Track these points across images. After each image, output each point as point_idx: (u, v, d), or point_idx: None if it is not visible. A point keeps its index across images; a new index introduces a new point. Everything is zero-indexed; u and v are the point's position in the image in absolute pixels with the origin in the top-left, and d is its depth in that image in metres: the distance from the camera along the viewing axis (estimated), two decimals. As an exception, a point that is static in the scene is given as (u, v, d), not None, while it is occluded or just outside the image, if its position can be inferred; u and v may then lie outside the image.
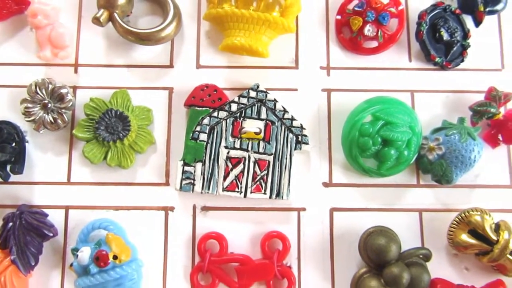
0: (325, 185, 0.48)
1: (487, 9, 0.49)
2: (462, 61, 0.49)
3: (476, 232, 0.45)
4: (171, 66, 0.50)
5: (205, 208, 0.47)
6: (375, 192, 0.48)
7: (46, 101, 0.47)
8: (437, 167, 0.46)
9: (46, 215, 0.46)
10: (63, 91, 0.46)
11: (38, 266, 0.45)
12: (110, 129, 0.46)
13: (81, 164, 0.48)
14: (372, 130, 0.45)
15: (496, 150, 0.48)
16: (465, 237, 0.45)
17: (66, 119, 0.47)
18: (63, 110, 0.47)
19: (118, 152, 0.47)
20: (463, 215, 0.45)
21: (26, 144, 0.47)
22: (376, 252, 0.43)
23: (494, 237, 0.44)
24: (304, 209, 0.47)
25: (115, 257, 0.43)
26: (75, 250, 0.44)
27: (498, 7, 0.49)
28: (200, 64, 0.50)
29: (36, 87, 0.47)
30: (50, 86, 0.47)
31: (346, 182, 0.48)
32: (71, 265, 0.44)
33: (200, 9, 0.51)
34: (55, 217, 0.46)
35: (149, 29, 0.48)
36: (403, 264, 0.43)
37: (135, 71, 0.49)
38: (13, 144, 0.46)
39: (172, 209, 0.47)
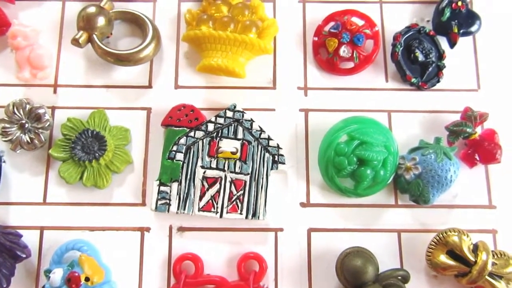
0: (303, 205, 0.48)
1: (461, 31, 0.50)
2: (438, 81, 0.50)
3: (455, 253, 0.44)
4: (149, 86, 0.50)
5: (181, 229, 0.47)
6: (353, 212, 0.47)
7: (24, 121, 0.47)
8: (414, 187, 0.46)
9: (20, 236, 0.45)
10: (41, 111, 0.47)
11: (11, 288, 0.45)
12: (86, 149, 0.46)
13: (58, 184, 0.47)
14: (347, 149, 0.45)
15: (474, 170, 0.48)
16: (443, 258, 0.44)
17: (43, 139, 0.47)
18: (40, 130, 0.47)
19: (94, 172, 0.47)
20: (441, 235, 0.45)
21: (3, 164, 0.48)
22: (353, 273, 0.43)
23: (472, 258, 0.43)
24: (281, 230, 0.47)
25: (87, 279, 0.42)
26: (47, 272, 0.44)
27: (472, 28, 0.50)
28: (179, 84, 0.50)
29: (13, 107, 0.47)
30: (28, 106, 0.47)
31: (324, 202, 0.47)
32: (43, 287, 0.43)
33: (179, 31, 0.51)
34: (30, 238, 0.46)
35: (128, 50, 0.48)
36: (380, 286, 0.42)
37: (114, 91, 0.50)
38: (-11, 164, 0.46)
39: (148, 229, 0.47)
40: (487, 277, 0.43)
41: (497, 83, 0.50)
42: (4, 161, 0.48)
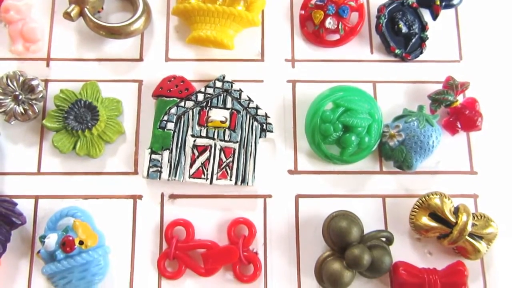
0: (291, 172, 0.49)
1: (444, 3, 0.51)
2: (421, 52, 0.51)
3: (437, 215, 0.46)
4: (140, 59, 0.51)
5: (172, 196, 0.48)
6: (339, 179, 0.49)
7: (17, 93, 0.48)
8: (398, 153, 0.47)
9: (15, 204, 0.46)
10: (34, 82, 0.48)
11: (7, 255, 0.46)
12: (79, 118, 0.47)
13: (51, 154, 0.49)
14: (333, 116, 0.46)
15: (456, 138, 0.50)
16: (425, 220, 0.46)
17: (37, 110, 0.48)
18: (34, 102, 0.48)
19: (87, 142, 0.48)
20: (423, 199, 0.46)
21: (-2, 136, 0.49)
22: (338, 234, 0.44)
23: (453, 220, 0.45)
24: (270, 196, 0.48)
25: (81, 243, 0.43)
26: (42, 238, 0.45)
27: (454, 1, 0.51)
28: (169, 57, 0.51)
29: (7, 79, 0.48)
30: (21, 78, 0.48)
31: (311, 170, 0.49)
32: (38, 252, 0.45)
33: (169, 4, 0.52)
34: (25, 206, 0.47)
35: (120, 23, 0.49)
36: (364, 246, 0.44)
37: (105, 64, 0.51)
38: (-16, 135, 0.47)
39: (140, 197, 0.48)
40: (467, 237, 0.45)
41: (478, 54, 0.52)
42: (-1, 133, 0.49)
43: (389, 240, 0.46)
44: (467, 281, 0.44)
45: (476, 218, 0.46)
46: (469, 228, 0.45)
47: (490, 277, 0.47)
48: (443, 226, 0.45)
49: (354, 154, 0.48)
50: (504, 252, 0.47)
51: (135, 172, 0.49)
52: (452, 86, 0.49)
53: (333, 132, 0.46)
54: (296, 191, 0.48)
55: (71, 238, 0.43)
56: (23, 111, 0.47)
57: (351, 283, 0.44)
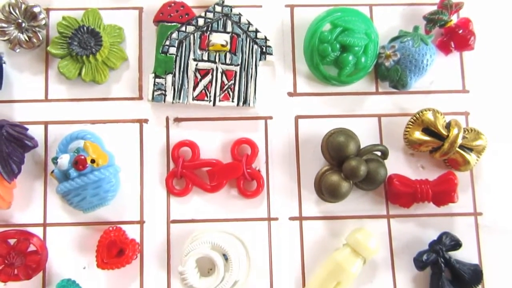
0: (290, 94, 0.51)
1: None
2: (417, -26, 0.52)
3: (429, 130, 0.48)
4: (140, -14, 0.52)
5: (177, 119, 0.50)
6: (337, 100, 0.51)
7: (20, 21, 0.48)
8: (393, 73, 0.49)
9: (27, 129, 0.48)
10: (36, 9, 0.48)
11: (22, 178, 0.48)
12: (83, 44, 0.48)
13: (58, 81, 0.50)
14: (331, 37, 0.47)
15: (449, 57, 0.51)
16: (419, 135, 0.48)
17: (41, 38, 0.49)
18: (37, 29, 0.49)
19: (92, 68, 0.49)
20: (417, 115, 0.48)
21: (4, 64, 0.49)
22: (337, 149, 0.47)
23: (445, 133, 0.47)
24: (270, 118, 0.50)
25: (92, 161, 0.46)
26: (55, 159, 0.47)
27: None
28: (168, -16, 0.52)
29: (9, 7, 0.48)
30: (23, 6, 0.49)
31: (310, 91, 0.51)
32: (52, 172, 0.47)
33: None
34: (35, 132, 0.49)
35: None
36: (361, 158, 0.46)
37: (105, -8, 0.52)
38: (-10, 63, 0.48)
39: (146, 121, 0.50)
40: (458, 149, 0.48)
41: (472, -25, 0.53)
42: (4, 62, 0.50)
43: (384, 154, 0.48)
44: (457, 189, 0.47)
45: (466, 132, 0.48)
46: (459, 140, 0.47)
47: (478, 187, 0.50)
48: (435, 140, 0.48)
49: (351, 75, 0.49)
50: (492, 165, 0.50)
51: (140, 98, 0.50)
52: (446, 6, 0.50)
53: (331, 52, 0.48)
54: (296, 112, 0.50)
55: (83, 157, 0.45)
56: (27, 39, 0.48)
57: (349, 194, 0.47)
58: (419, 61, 0.48)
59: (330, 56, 0.48)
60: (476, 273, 0.47)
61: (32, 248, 0.47)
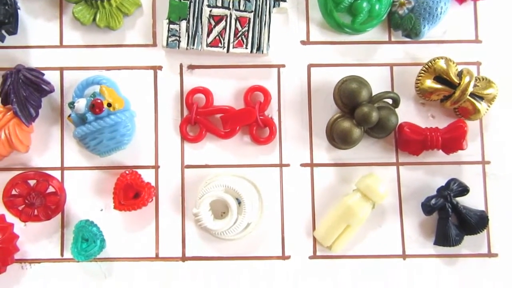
0: (303, 43, 0.51)
1: None
2: None
3: (441, 79, 0.49)
4: None
5: (191, 67, 0.51)
6: (349, 48, 0.51)
7: (34, -35, 0.49)
8: (407, 21, 0.49)
9: (43, 74, 0.49)
10: (50, -47, 0.48)
11: (39, 123, 0.49)
12: (97, -11, 0.48)
13: (72, 28, 0.50)
14: (345, -18, 0.48)
15: (463, 6, 0.51)
16: (430, 83, 0.48)
17: (55, -18, 0.49)
18: (51, -27, 0.49)
19: (106, 14, 0.49)
20: (429, 63, 0.49)
21: (19, 10, 0.50)
22: (349, 95, 0.47)
23: (456, 81, 0.48)
24: (283, 66, 0.51)
25: (109, 105, 0.47)
26: (71, 104, 0.48)
27: None
28: None
29: (23, -49, 0.48)
30: (37, -50, 0.49)
31: (323, 40, 0.51)
32: (69, 115, 0.48)
33: None
34: (51, 77, 0.49)
35: None
36: (373, 105, 0.47)
37: None
38: (6, 7, 0.48)
39: (160, 68, 0.51)
40: (469, 97, 0.48)
41: None
42: (19, 8, 0.50)
43: (396, 102, 0.49)
44: (467, 137, 0.48)
45: (478, 80, 0.49)
46: (471, 88, 0.48)
47: (487, 136, 0.50)
48: (446, 87, 0.48)
49: (365, 23, 0.49)
50: (501, 116, 0.50)
51: (154, 44, 0.50)
52: (462, -47, 0.49)
53: (345, -1, 0.48)
54: (308, 61, 0.51)
55: (99, 101, 0.46)
56: (41, -17, 0.48)
57: (360, 140, 0.48)
58: (434, 8, 0.48)
59: (344, 2, 0.48)
60: (482, 218, 0.48)
61: (51, 189, 0.48)
